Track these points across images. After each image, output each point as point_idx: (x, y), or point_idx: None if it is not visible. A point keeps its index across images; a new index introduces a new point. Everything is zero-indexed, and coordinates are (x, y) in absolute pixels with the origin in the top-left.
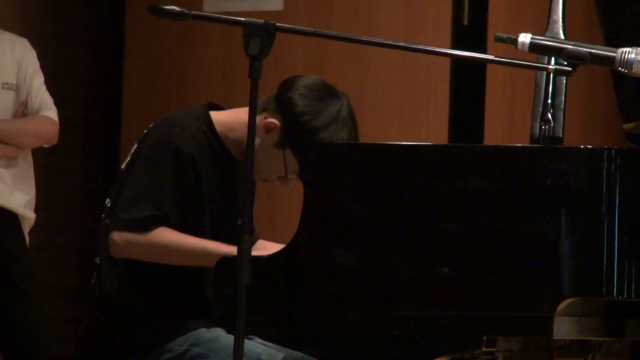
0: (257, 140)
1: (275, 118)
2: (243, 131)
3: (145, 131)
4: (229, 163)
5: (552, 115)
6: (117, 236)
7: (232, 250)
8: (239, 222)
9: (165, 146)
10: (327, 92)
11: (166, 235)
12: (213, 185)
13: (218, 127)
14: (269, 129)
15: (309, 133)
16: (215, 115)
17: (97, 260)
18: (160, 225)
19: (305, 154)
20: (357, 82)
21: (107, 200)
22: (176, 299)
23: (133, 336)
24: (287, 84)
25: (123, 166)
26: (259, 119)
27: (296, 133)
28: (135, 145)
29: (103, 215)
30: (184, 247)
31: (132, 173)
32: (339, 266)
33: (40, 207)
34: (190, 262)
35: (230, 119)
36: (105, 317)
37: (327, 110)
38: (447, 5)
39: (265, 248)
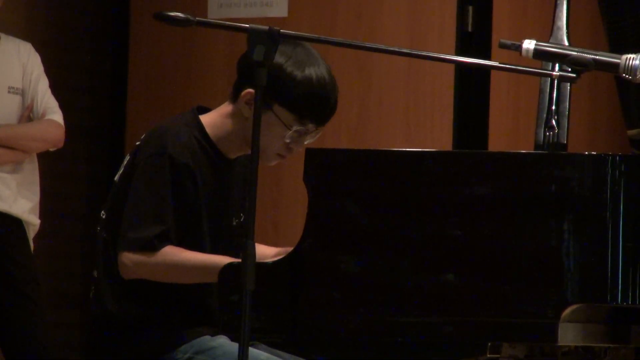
0: (246, 122)
1: (248, 88)
2: (229, 123)
3: (137, 143)
4: (222, 164)
5: (557, 121)
6: (126, 258)
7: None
8: (234, 223)
9: (160, 157)
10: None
11: (175, 254)
12: (210, 189)
13: (208, 130)
14: (249, 101)
15: (283, 74)
16: (203, 118)
17: (95, 273)
18: (167, 243)
19: (309, 159)
20: (361, 88)
21: (102, 212)
22: (178, 307)
23: (136, 347)
24: (243, 56)
25: (116, 178)
26: (236, 105)
27: (274, 82)
28: (128, 157)
29: (99, 228)
30: (193, 264)
31: (132, 188)
32: (343, 272)
33: (44, 213)
34: (200, 279)
35: (216, 117)
36: (107, 330)
37: (293, 50)
38: (452, 11)
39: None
